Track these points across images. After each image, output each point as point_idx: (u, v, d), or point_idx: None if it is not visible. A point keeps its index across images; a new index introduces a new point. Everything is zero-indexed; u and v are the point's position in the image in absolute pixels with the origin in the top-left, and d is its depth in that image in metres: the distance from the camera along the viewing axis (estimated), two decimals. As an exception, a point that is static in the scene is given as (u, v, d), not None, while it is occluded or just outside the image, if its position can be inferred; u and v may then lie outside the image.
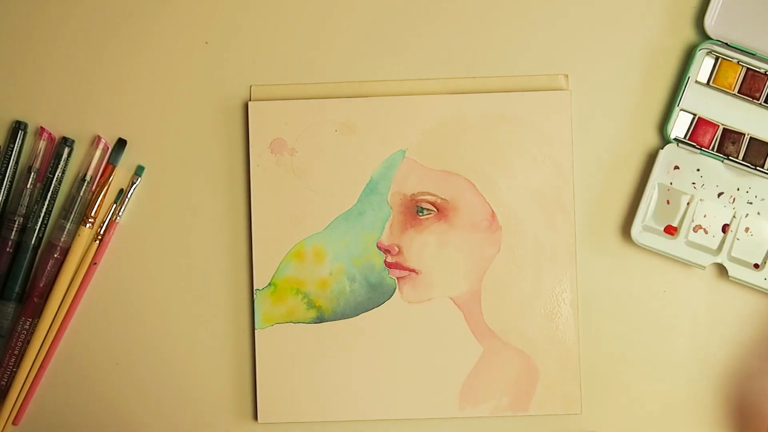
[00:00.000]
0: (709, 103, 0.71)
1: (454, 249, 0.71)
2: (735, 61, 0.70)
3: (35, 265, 0.72)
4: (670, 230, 0.70)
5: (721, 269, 0.70)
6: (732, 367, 0.71)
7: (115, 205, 0.72)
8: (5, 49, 0.73)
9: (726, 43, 0.70)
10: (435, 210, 0.71)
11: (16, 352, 0.72)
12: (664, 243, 0.70)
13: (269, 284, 0.71)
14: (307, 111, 0.71)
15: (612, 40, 0.72)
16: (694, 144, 0.70)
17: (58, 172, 0.71)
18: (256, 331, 0.71)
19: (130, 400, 0.72)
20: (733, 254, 0.70)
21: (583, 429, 0.71)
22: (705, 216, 0.70)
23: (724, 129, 0.70)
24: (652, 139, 0.72)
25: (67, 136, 0.72)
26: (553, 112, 0.71)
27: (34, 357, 0.71)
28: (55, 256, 0.71)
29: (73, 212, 0.71)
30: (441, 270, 0.71)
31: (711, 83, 0.70)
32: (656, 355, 0.71)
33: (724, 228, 0.70)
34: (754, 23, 0.70)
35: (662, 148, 0.70)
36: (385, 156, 0.71)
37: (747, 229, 0.70)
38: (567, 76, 0.72)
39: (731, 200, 0.70)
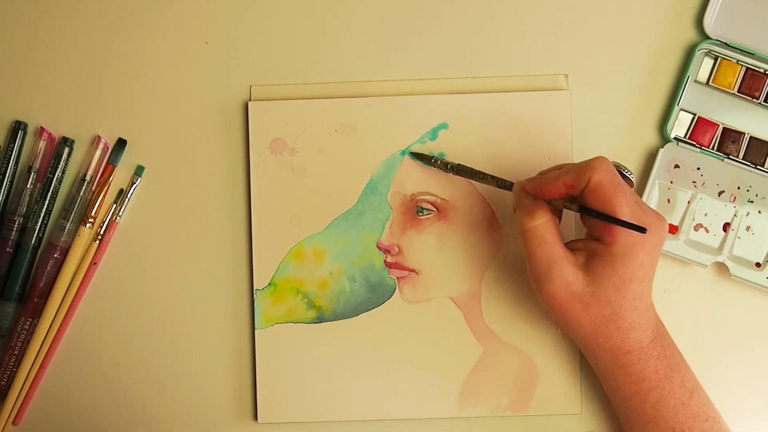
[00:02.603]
0: (709, 102, 0.71)
1: (454, 249, 0.71)
2: (734, 60, 0.70)
3: (35, 265, 0.72)
4: (671, 229, 0.70)
5: (723, 268, 0.70)
6: (733, 367, 0.71)
7: (115, 205, 0.72)
8: (6, 49, 0.73)
9: (725, 43, 0.70)
10: (435, 210, 0.71)
11: (16, 352, 0.72)
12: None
13: (269, 284, 0.71)
14: (307, 111, 0.71)
15: (612, 40, 0.72)
16: (695, 143, 0.70)
17: (58, 172, 0.71)
18: (256, 331, 0.71)
19: (130, 400, 0.72)
20: (734, 253, 0.70)
21: (583, 429, 0.71)
22: (706, 215, 0.70)
23: (724, 128, 0.71)
24: (652, 138, 0.72)
25: (67, 136, 0.72)
26: (553, 112, 0.71)
27: (34, 357, 0.71)
28: (55, 256, 0.71)
29: (73, 212, 0.71)
30: (441, 270, 0.71)
31: (710, 83, 0.70)
32: (657, 355, 0.71)
33: (725, 227, 0.70)
34: (754, 23, 0.70)
35: (662, 147, 0.70)
36: (385, 156, 0.71)
37: (748, 228, 0.70)
38: (567, 76, 0.72)
39: (732, 199, 0.70)
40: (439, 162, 0.70)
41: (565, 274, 0.61)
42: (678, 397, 0.63)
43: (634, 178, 0.68)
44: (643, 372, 0.63)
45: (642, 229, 0.58)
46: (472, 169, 0.68)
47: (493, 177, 0.67)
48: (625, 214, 0.59)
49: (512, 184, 0.65)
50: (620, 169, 0.65)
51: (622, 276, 0.61)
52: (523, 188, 0.64)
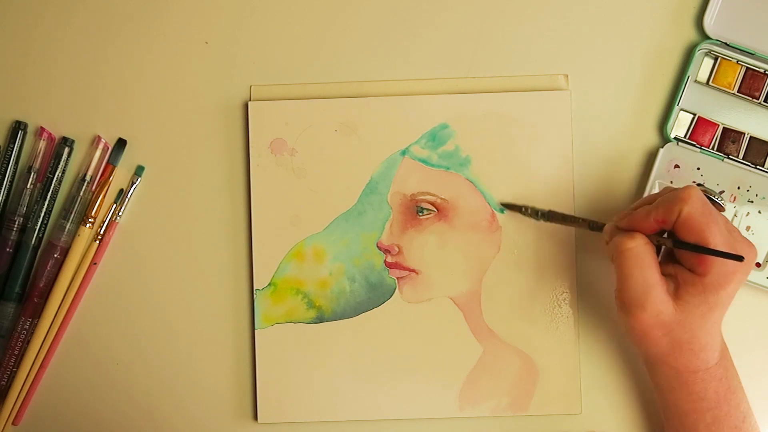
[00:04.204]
0: (709, 102, 0.71)
1: (454, 249, 0.71)
2: (734, 60, 0.70)
3: (35, 265, 0.72)
4: (671, 229, 0.70)
5: (722, 268, 0.70)
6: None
7: (115, 205, 0.72)
8: (6, 49, 0.73)
9: (725, 43, 0.70)
10: (435, 210, 0.71)
11: (16, 352, 0.72)
12: (664, 242, 0.70)
13: (269, 284, 0.71)
14: (307, 111, 0.71)
15: (612, 40, 0.72)
16: (695, 143, 0.70)
17: (58, 172, 0.71)
18: (256, 331, 0.71)
19: (130, 401, 0.72)
20: (733, 253, 0.70)
21: (583, 429, 0.71)
22: (705, 215, 0.70)
23: (724, 128, 0.71)
24: (652, 138, 0.72)
25: (67, 136, 0.72)
26: (553, 112, 0.71)
27: (34, 357, 0.71)
28: (55, 256, 0.71)
29: (73, 212, 0.71)
30: (441, 270, 0.71)
31: (710, 83, 0.70)
32: (657, 355, 0.71)
33: (725, 227, 0.70)
34: (754, 23, 0.70)
35: (662, 147, 0.70)
36: (385, 156, 0.71)
37: (748, 228, 0.70)
38: (567, 76, 0.72)
39: (732, 199, 0.70)
40: (529, 210, 0.69)
41: (658, 302, 0.60)
42: (732, 420, 0.63)
43: (723, 203, 0.67)
44: (704, 392, 0.63)
45: (740, 258, 0.58)
46: (563, 214, 0.68)
47: (584, 220, 0.67)
48: (718, 244, 0.59)
49: (603, 225, 0.65)
50: (709, 195, 0.65)
51: (710, 303, 0.60)
52: (616, 226, 0.63)
